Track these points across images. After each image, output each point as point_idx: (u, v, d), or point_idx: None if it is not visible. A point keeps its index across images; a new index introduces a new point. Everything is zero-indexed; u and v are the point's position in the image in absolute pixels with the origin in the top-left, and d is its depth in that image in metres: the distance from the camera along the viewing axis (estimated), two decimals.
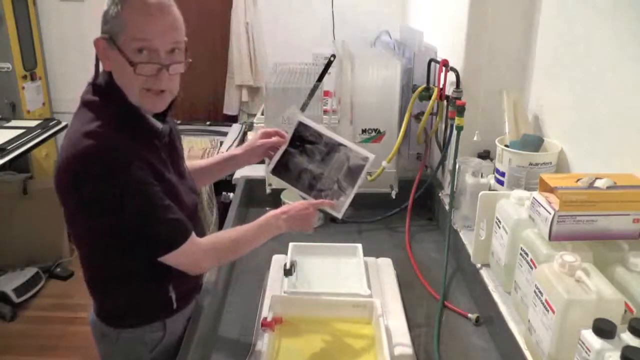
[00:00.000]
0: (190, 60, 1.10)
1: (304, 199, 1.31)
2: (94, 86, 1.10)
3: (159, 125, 1.12)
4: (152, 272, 1.15)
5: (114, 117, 1.05)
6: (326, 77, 1.85)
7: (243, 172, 2.06)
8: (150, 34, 1.02)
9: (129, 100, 1.07)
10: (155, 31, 1.02)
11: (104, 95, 1.08)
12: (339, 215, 1.29)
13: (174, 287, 1.20)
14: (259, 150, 1.36)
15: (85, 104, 1.09)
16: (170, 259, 1.10)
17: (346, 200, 1.28)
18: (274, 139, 1.35)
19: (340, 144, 1.33)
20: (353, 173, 1.30)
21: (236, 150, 1.40)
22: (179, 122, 3.07)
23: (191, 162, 1.40)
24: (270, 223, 1.23)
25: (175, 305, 1.21)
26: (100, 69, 1.11)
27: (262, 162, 1.79)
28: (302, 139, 1.34)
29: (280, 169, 1.33)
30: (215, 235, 1.21)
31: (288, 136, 1.34)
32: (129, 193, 1.03)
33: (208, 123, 3.42)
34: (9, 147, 2.58)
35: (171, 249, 1.09)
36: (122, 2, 1.01)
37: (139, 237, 1.08)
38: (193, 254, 1.13)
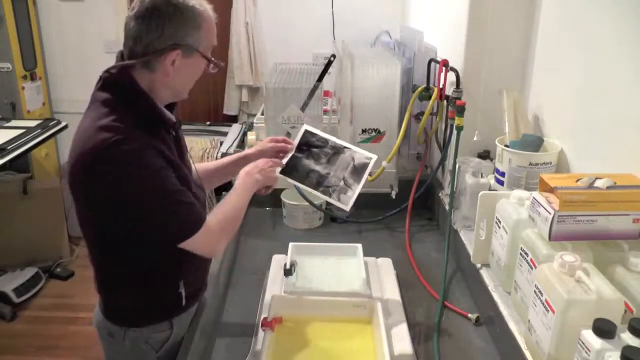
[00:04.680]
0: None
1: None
2: (105, 82, 1.10)
3: (172, 117, 1.15)
4: (163, 268, 1.17)
5: (128, 112, 1.07)
6: (326, 77, 1.85)
7: None
8: (216, 37, 1.17)
9: (145, 92, 1.09)
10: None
11: (117, 89, 1.09)
12: (347, 208, 1.33)
13: (185, 284, 1.21)
14: (269, 152, 1.41)
15: (97, 99, 1.10)
16: (190, 244, 1.11)
17: (353, 195, 1.34)
18: (282, 144, 1.41)
19: (346, 147, 1.41)
20: (358, 171, 1.36)
21: (249, 151, 1.45)
22: None
23: (200, 165, 1.42)
24: (248, 180, 1.27)
25: (184, 302, 1.22)
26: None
27: None
28: (308, 144, 1.42)
29: (289, 170, 1.38)
30: (214, 214, 1.20)
31: (295, 142, 1.41)
32: (146, 180, 1.04)
33: (208, 123, 3.42)
34: (9, 147, 2.58)
35: (192, 233, 1.09)
36: (199, 16, 1.10)
37: (159, 224, 1.08)
38: (210, 236, 1.13)
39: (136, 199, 1.05)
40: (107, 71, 1.10)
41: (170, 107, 1.19)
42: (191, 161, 1.29)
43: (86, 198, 1.09)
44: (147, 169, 1.04)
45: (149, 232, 1.09)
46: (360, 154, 1.39)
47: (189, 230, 1.09)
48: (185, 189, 1.11)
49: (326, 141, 1.42)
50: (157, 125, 1.12)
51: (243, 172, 1.29)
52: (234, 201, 1.23)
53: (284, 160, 1.39)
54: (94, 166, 1.02)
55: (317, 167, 1.38)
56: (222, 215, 1.19)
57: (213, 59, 1.16)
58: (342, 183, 1.35)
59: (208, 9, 1.13)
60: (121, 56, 1.13)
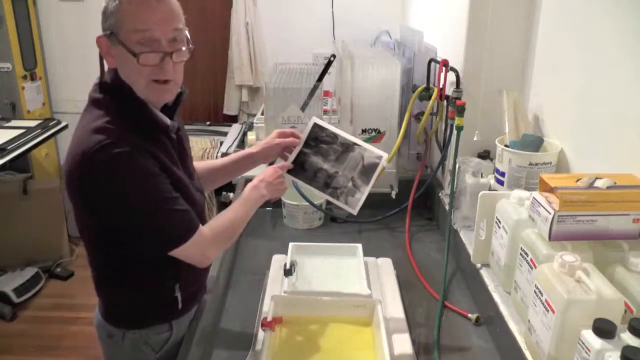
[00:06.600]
0: (192, 46, 1.11)
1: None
2: (101, 84, 1.11)
3: (167, 120, 1.13)
4: (159, 271, 1.16)
5: (121, 113, 1.06)
6: (326, 77, 1.85)
7: None
8: (150, 23, 1.03)
9: (137, 95, 1.08)
10: (154, 20, 1.03)
11: (111, 92, 1.09)
12: (354, 212, 1.31)
13: (180, 288, 1.20)
14: (275, 149, 1.37)
15: (92, 102, 1.10)
16: (180, 252, 1.10)
17: (361, 198, 1.30)
18: (290, 139, 1.36)
19: (355, 144, 1.35)
20: (367, 171, 1.32)
21: (253, 149, 1.40)
22: None
23: (204, 162, 1.40)
24: (254, 194, 1.25)
25: (180, 306, 1.21)
26: (105, 67, 1.12)
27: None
28: (316, 139, 1.36)
29: (296, 169, 1.35)
30: (213, 222, 1.19)
31: (303, 137, 1.36)
32: (136, 184, 1.03)
33: (208, 123, 3.42)
34: (9, 147, 2.58)
35: (181, 242, 1.08)
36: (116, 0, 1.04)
37: (148, 231, 1.07)
38: (202, 245, 1.12)
39: (127, 202, 1.04)
40: (101, 75, 1.10)
41: (172, 110, 1.17)
42: (194, 167, 1.28)
43: (81, 200, 1.08)
44: (139, 172, 1.03)
45: (141, 235, 1.09)
46: (370, 152, 1.33)
47: (180, 237, 1.08)
48: (179, 196, 1.09)
49: (335, 137, 1.35)
50: (151, 128, 1.10)
51: (250, 185, 1.26)
52: (234, 212, 1.22)
53: (292, 157, 1.34)
54: (86, 168, 1.02)
55: (325, 165, 1.33)
56: (218, 224, 1.18)
57: (131, 47, 1.03)
58: (350, 184, 1.31)
59: None
60: None
